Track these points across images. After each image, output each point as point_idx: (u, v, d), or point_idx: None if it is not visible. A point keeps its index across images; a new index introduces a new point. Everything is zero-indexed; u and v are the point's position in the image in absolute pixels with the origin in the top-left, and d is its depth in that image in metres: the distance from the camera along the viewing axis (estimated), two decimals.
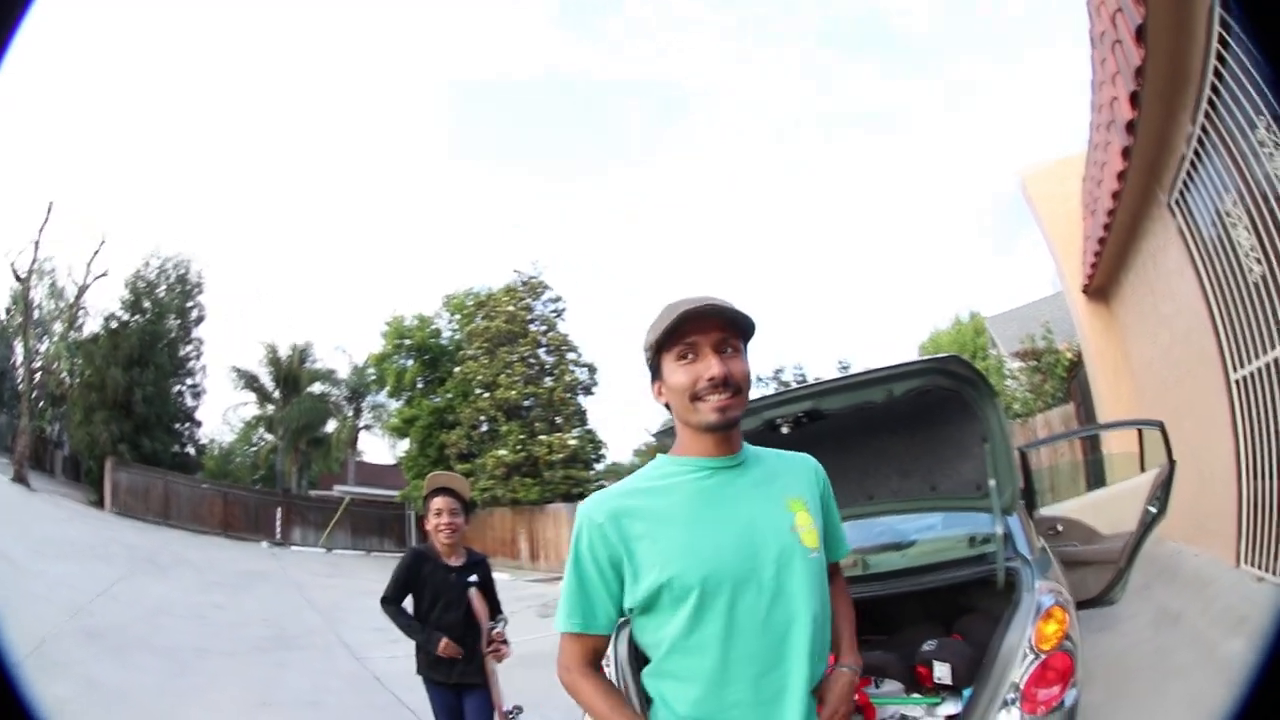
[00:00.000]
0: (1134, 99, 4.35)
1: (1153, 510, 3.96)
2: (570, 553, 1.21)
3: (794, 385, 12.13)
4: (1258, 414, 4.02)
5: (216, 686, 5.50)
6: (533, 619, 9.49)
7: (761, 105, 49.89)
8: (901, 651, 2.44)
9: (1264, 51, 0.98)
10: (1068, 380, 10.83)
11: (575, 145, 49.29)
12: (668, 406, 1.23)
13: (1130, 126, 4.63)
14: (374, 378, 21.14)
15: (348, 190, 48.17)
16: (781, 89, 49.29)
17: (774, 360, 17.13)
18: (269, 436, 23.12)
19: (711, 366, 1.14)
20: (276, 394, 22.83)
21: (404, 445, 19.82)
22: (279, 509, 19.25)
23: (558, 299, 18.01)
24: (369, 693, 5.53)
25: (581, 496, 16.76)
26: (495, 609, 3.03)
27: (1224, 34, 3.13)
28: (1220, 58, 3.31)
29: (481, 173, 48.05)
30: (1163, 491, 3.94)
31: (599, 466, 17.33)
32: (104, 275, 20.59)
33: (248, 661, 6.44)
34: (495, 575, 3.34)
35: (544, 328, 17.58)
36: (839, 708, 1.21)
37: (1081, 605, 3.94)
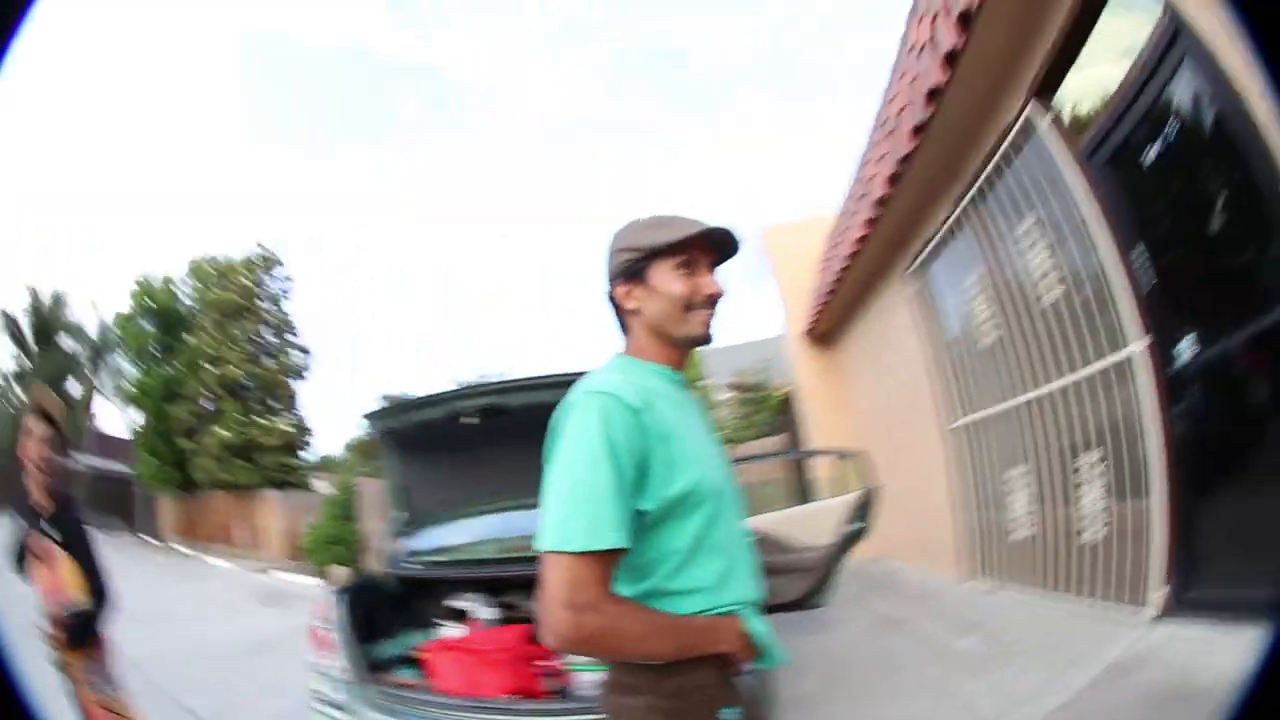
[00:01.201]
0: (893, 179, 5.11)
1: (852, 526, 4.45)
2: (592, 446, 1.03)
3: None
4: (976, 458, 4.97)
5: None
6: (255, 607, 9.30)
7: (543, 109, 51.24)
8: None
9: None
10: (779, 414, 12.36)
11: (349, 121, 47.49)
12: (630, 312, 1.22)
13: (883, 201, 5.42)
14: (118, 339, 19.69)
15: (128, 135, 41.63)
16: (568, 97, 50.95)
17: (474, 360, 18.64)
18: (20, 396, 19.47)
19: (712, 284, 1.19)
20: (32, 345, 20.52)
21: (137, 418, 18.69)
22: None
23: (288, 278, 18.28)
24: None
25: (293, 485, 16.07)
26: (91, 584, 2.43)
27: (1020, 142, 3.81)
28: (1006, 158, 4.02)
29: (249, 136, 43.73)
30: (862, 511, 4.50)
31: (307, 456, 17.89)
32: None
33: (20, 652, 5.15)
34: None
35: (271, 305, 17.81)
36: None
37: (785, 608, 4.42)
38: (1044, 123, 3.49)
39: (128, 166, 43.48)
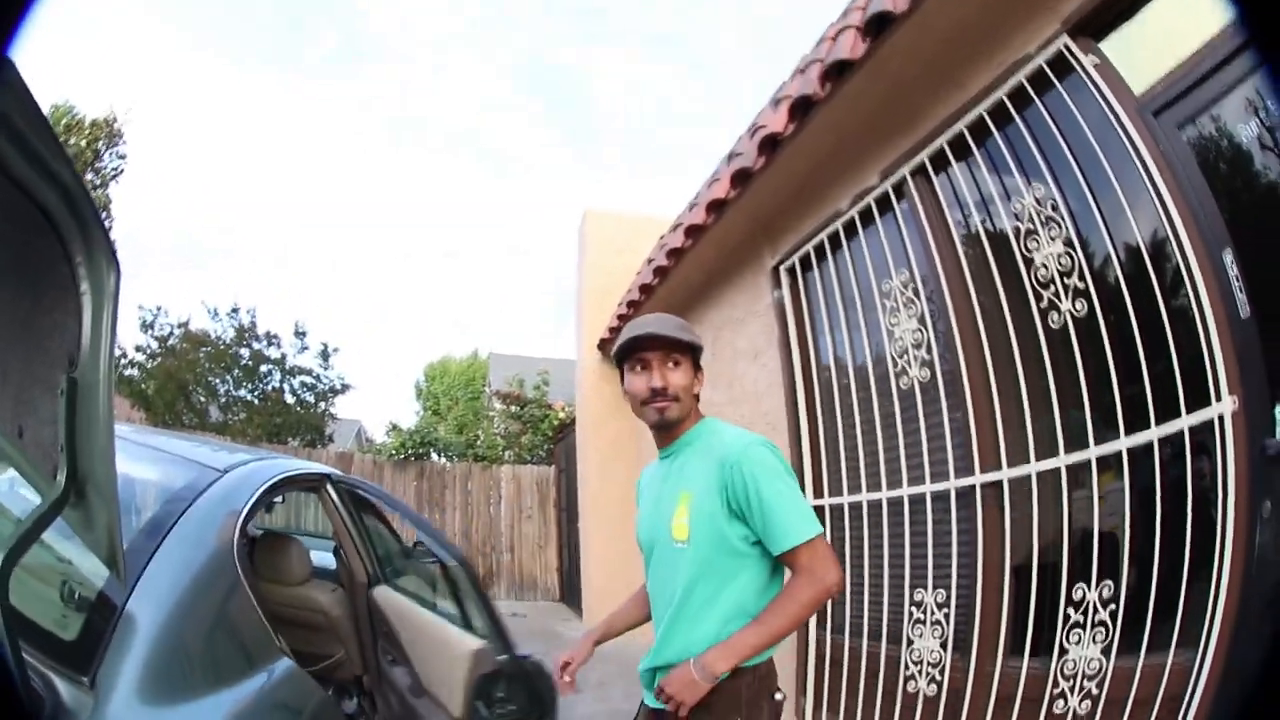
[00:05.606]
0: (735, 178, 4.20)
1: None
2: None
3: None
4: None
5: None
6: None
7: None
8: None
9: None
10: (554, 440, 10.92)
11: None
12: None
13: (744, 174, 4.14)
14: None
15: None
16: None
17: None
18: None
19: (654, 379, 1.58)
20: None
21: None
22: None
23: (124, 156, 16.93)
24: None
25: None
26: None
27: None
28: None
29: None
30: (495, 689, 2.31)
31: None
32: None
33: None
34: None
35: (98, 181, 16.67)
36: (665, 689, 1.44)
37: None
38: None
39: None
